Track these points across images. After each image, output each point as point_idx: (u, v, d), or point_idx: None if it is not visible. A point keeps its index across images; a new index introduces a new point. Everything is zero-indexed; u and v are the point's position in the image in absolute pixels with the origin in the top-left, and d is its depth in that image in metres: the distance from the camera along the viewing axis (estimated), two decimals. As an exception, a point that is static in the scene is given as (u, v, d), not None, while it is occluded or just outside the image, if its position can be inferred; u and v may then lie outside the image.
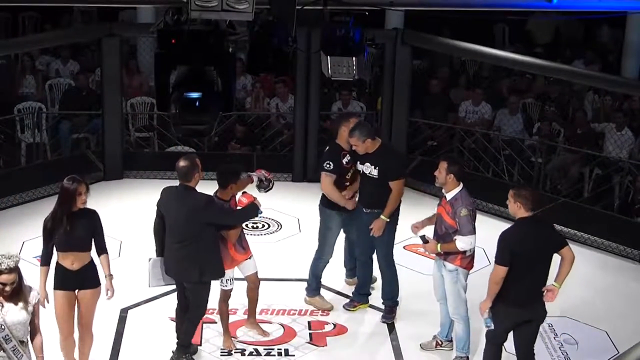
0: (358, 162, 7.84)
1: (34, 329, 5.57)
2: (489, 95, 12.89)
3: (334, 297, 8.44)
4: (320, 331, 7.89)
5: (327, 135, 11.96)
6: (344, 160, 7.92)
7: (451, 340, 7.53)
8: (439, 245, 7.15)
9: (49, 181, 10.68)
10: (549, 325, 8.06)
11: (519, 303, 6.49)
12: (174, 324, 7.28)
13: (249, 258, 7.41)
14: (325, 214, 8.11)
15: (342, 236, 8.32)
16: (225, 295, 7.37)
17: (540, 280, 6.55)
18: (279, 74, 11.09)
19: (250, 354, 7.47)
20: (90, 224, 6.56)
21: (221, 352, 7.46)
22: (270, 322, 7.95)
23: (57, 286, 6.51)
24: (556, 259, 6.58)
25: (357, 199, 8.03)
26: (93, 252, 6.67)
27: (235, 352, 7.46)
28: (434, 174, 7.17)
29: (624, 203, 10.65)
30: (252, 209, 7.04)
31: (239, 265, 7.35)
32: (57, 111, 12.36)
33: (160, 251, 7.04)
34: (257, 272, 7.50)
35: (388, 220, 7.71)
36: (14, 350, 5.38)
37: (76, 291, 6.55)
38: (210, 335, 7.67)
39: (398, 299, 8.07)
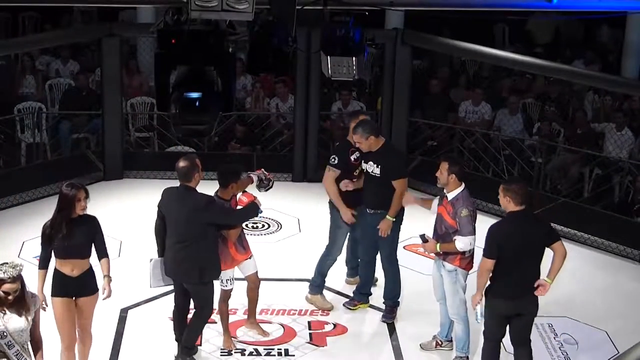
0: (362, 161, 7.84)
1: (35, 338, 5.56)
2: (489, 95, 12.90)
3: (334, 297, 8.44)
4: (320, 331, 7.89)
5: (327, 135, 12.00)
6: (352, 157, 7.91)
7: (451, 340, 7.53)
8: (438, 244, 7.15)
9: (49, 181, 10.69)
10: (549, 325, 8.06)
11: (508, 296, 6.56)
12: (172, 324, 7.29)
13: (249, 258, 7.41)
14: (334, 213, 8.11)
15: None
16: (226, 295, 7.37)
17: (530, 274, 6.59)
18: (279, 74, 11.08)
19: (250, 354, 7.47)
20: (90, 231, 6.50)
21: (221, 352, 7.46)
22: (270, 322, 7.95)
23: (56, 293, 6.45)
24: (550, 254, 6.61)
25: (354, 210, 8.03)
26: (92, 258, 6.60)
27: (235, 352, 7.46)
28: (436, 175, 7.18)
29: (624, 203, 10.64)
30: (253, 208, 7.05)
31: (239, 265, 7.35)
32: (57, 111, 12.36)
33: (161, 252, 7.04)
34: (257, 272, 7.51)
35: (394, 220, 7.72)
36: (17, 354, 5.38)
37: (75, 298, 6.49)
38: (210, 335, 7.67)
39: (399, 299, 8.08)
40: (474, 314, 6.72)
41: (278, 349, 7.57)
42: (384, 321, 8.03)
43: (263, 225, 10.03)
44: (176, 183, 6.98)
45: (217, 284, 7.17)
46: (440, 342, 7.60)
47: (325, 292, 8.43)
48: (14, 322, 5.37)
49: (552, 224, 7.21)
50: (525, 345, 6.80)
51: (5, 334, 5.33)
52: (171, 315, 7.34)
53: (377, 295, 8.24)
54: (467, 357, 7.33)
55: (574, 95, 13.36)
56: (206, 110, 5.96)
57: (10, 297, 5.32)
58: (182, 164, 6.79)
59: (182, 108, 5.95)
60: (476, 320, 6.76)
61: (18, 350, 5.38)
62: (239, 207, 7.13)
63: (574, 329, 8.06)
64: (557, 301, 8.29)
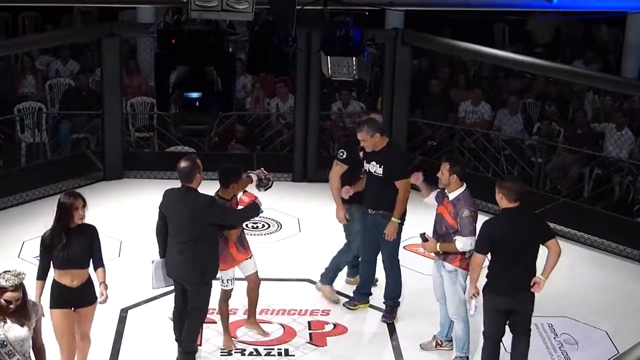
0: (364, 162, 7.83)
1: (37, 346, 5.51)
2: (490, 96, 12.89)
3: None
4: (320, 331, 7.89)
5: (327, 135, 12.00)
6: (361, 153, 7.91)
7: (451, 340, 7.53)
8: (438, 244, 7.16)
9: (49, 181, 10.70)
10: (549, 325, 8.06)
11: (502, 292, 6.64)
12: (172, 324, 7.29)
13: (249, 258, 7.41)
14: (348, 211, 8.10)
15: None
16: (226, 295, 7.37)
17: (524, 271, 6.64)
18: (279, 74, 11.08)
19: (250, 354, 7.47)
20: (89, 240, 6.41)
21: (221, 352, 7.46)
22: (270, 322, 7.95)
23: (56, 305, 6.36)
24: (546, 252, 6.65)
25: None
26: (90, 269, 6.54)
27: (235, 352, 7.46)
28: (437, 176, 7.19)
29: (624, 203, 10.64)
30: (254, 208, 7.05)
31: (239, 264, 7.35)
32: (57, 111, 12.35)
33: (162, 253, 7.03)
34: (257, 272, 7.51)
35: (399, 222, 7.72)
36: None
37: (74, 309, 6.42)
38: (210, 335, 7.67)
39: (399, 300, 8.08)
40: (469, 307, 6.81)
41: (278, 349, 7.57)
42: (384, 321, 8.03)
43: (263, 225, 10.03)
44: (176, 183, 6.98)
45: (217, 284, 7.17)
46: (440, 342, 7.60)
47: (325, 292, 8.47)
48: (15, 331, 5.32)
49: (550, 223, 7.22)
50: (525, 334, 6.86)
51: (5, 343, 5.27)
52: (171, 315, 7.34)
53: (378, 295, 8.24)
54: (467, 357, 7.34)
55: (574, 95, 13.36)
56: (206, 110, 5.95)
57: (11, 306, 5.26)
58: (183, 164, 6.79)
59: (182, 108, 5.94)
60: (469, 313, 6.86)
61: (19, 359, 5.33)
62: (240, 206, 7.14)
63: (574, 329, 8.06)
64: (557, 301, 8.29)
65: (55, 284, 6.38)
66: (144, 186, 10.92)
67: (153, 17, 13.26)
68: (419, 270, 8.77)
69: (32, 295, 5.95)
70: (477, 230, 7.07)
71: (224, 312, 7.45)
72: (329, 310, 8.19)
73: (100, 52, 11.11)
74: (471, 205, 7.10)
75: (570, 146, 11.56)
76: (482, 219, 7.23)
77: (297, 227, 10.12)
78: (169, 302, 7.45)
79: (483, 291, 6.73)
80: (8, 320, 5.30)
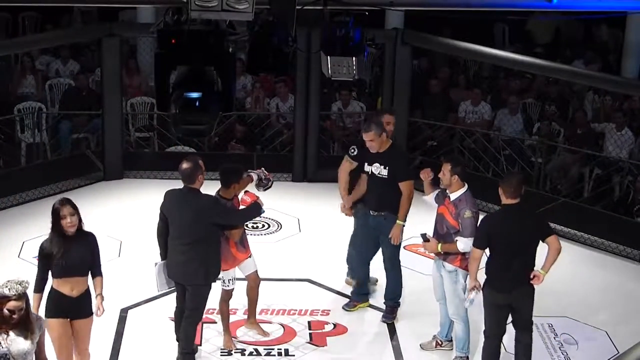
0: (366, 164, 7.82)
1: None
2: (490, 95, 12.87)
3: (335, 297, 8.44)
4: (320, 331, 7.89)
5: (327, 135, 12.00)
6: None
7: (451, 340, 7.53)
8: (439, 245, 7.16)
9: (49, 181, 10.71)
10: (549, 325, 8.06)
11: (501, 288, 6.68)
12: (173, 324, 7.28)
13: (249, 257, 7.42)
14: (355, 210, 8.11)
15: (348, 233, 8.29)
16: (227, 295, 7.37)
17: (523, 267, 6.68)
18: (279, 74, 11.08)
19: (250, 354, 7.47)
20: (88, 248, 6.29)
21: (221, 352, 7.46)
22: (270, 322, 7.95)
23: (53, 314, 6.18)
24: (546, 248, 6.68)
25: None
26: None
27: (235, 352, 7.46)
28: (438, 176, 7.20)
29: (624, 203, 10.64)
30: (256, 208, 7.05)
31: (239, 264, 7.35)
32: (57, 111, 12.35)
33: (164, 255, 7.02)
34: (257, 271, 7.51)
35: (404, 224, 7.72)
36: None
37: (70, 320, 6.29)
38: (210, 335, 7.67)
39: (400, 300, 8.08)
40: (466, 299, 6.86)
41: (278, 349, 7.57)
42: (384, 321, 8.02)
43: (263, 225, 10.03)
44: (177, 183, 6.98)
45: (217, 284, 7.17)
46: (440, 342, 7.60)
47: (325, 292, 8.45)
48: (18, 344, 5.17)
49: (550, 223, 7.22)
50: (527, 329, 6.89)
51: (7, 356, 5.13)
52: (171, 316, 7.34)
53: (378, 295, 8.24)
54: (467, 357, 7.34)
55: (574, 95, 13.36)
56: (206, 110, 5.95)
57: (15, 316, 5.12)
58: (185, 165, 6.79)
59: (182, 108, 5.94)
60: (465, 305, 6.92)
61: None
62: (241, 206, 7.14)
63: (574, 329, 8.06)
64: (557, 301, 8.30)
65: (53, 292, 6.23)
66: (144, 186, 10.93)
67: (153, 17, 13.26)
68: (419, 270, 8.77)
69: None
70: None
71: (225, 312, 7.45)
72: (329, 310, 8.19)
73: (100, 52, 11.11)
74: (473, 206, 7.10)
75: (570, 146, 11.56)
76: (481, 218, 7.24)
77: (297, 227, 10.12)
78: (169, 302, 7.46)
79: (482, 288, 6.76)
80: (11, 333, 5.16)
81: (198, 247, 6.75)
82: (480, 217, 7.18)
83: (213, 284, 7.00)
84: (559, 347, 7.79)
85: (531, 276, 6.65)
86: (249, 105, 12.55)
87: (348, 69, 7.19)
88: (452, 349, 7.49)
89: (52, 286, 6.25)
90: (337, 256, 8.38)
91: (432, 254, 7.46)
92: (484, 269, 6.83)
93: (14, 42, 12.74)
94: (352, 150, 8.00)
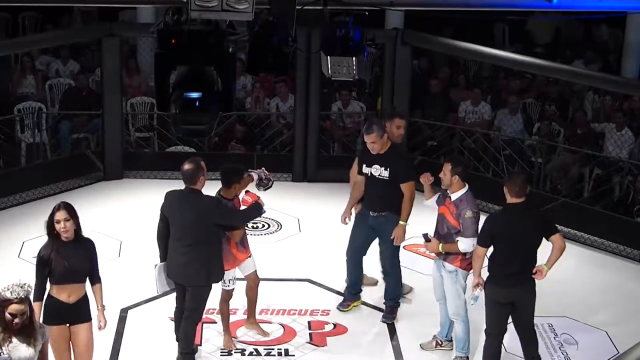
0: (364, 165, 7.81)
1: None
2: (490, 95, 12.87)
3: (335, 297, 8.43)
4: (320, 331, 7.89)
5: (327, 135, 12.00)
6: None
7: (451, 340, 7.53)
8: (441, 245, 7.16)
9: (49, 181, 10.71)
10: (549, 325, 8.06)
11: (504, 284, 6.72)
12: (173, 324, 7.28)
13: (249, 257, 7.42)
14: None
15: (348, 233, 8.29)
16: (227, 296, 7.36)
17: (525, 264, 6.72)
18: (279, 74, 11.08)
19: (250, 354, 7.47)
20: (87, 255, 6.18)
21: (221, 352, 7.46)
22: (270, 322, 7.95)
23: (51, 321, 6.03)
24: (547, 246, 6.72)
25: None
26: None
27: (235, 352, 7.46)
28: (439, 176, 7.21)
29: (624, 203, 10.64)
30: (257, 208, 7.05)
31: (240, 264, 7.35)
32: (57, 111, 12.35)
33: (163, 256, 7.02)
34: (256, 271, 7.51)
35: (407, 224, 7.72)
36: None
37: (68, 325, 6.20)
38: (210, 335, 7.67)
39: (400, 300, 8.08)
40: (471, 296, 6.90)
41: (278, 349, 7.57)
42: (384, 321, 8.02)
43: (263, 225, 10.03)
44: (177, 183, 6.98)
45: (217, 284, 7.16)
46: (440, 342, 7.60)
47: (325, 292, 8.45)
48: (20, 351, 5.04)
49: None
50: (528, 330, 6.92)
51: None
52: (171, 316, 7.34)
53: (378, 295, 8.23)
54: (467, 357, 7.33)
55: (574, 95, 13.36)
56: (206, 110, 5.94)
57: (17, 321, 5.01)
58: (187, 166, 6.78)
59: (182, 108, 5.94)
60: (469, 302, 6.97)
61: None
62: (242, 206, 7.14)
63: (574, 329, 8.06)
64: (557, 301, 8.30)
65: (50, 299, 6.12)
66: (144, 186, 10.93)
67: (153, 17, 13.27)
68: (419, 270, 8.77)
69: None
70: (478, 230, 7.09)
71: (225, 312, 7.45)
72: (329, 310, 8.19)
73: (100, 52, 11.11)
74: (474, 206, 7.11)
75: (570, 146, 11.56)
76: (481, 218, 7.24)
77: (297, 227, 10.12)
78: (169, 302, 7.45)
79: (485, 284, 6.80)
80: (14, 339, 5.05)
81: (199, 248, 6.75)
82: (481, 217, 7.20)
83: (213, 285, 7.00)
84: (559, 347, 7.79)
85: (534, 271, 6.70)
86: (249, 105, 12.55)
87: (348, 69, 7.19)
88: (452, 349, 7.49)
89: (49, 292, 6.13)
90: (337, 256, 8.38)
91: (432, 254, 7.46)
92: (487, 267, 6.85)
93: (14, 42, 12.74)
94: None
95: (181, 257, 6.81)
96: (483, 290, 6.81)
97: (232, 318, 7.68)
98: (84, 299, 6.24)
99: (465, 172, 7.16)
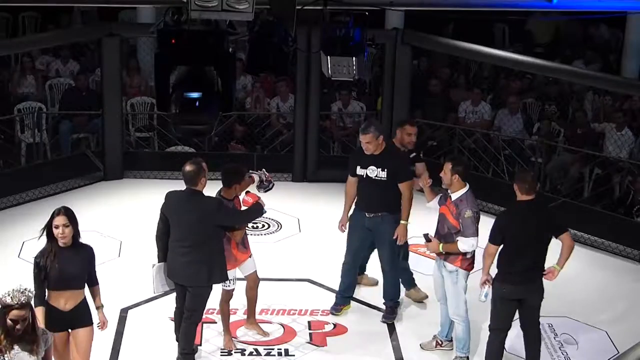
0: (359, 167, 7.80)
1: None
2: (491, 96, 12.87)
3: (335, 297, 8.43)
4: (320, 331, 7.89)
5: (327, 135, 12.00)
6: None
7: (451, 340, 7.53)
8: (441, 245, 7.16)
9: (49, 181, 10.70)
10: (549, 325, 8.06)
11: (514, 282, 6.75)
12: (173, 324, 7.28)
13: (250, 257, 7.42)
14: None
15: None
16: (228, 296, 7.36)
17: (535, 262, 6.76)
18: (279, 74, 11.08)
19: (250, 354, 7.47)
20: (84, 262, 6.08)
21: (221, 352, 7.46)
22: (270, 322, 7.95)
23: (49, 328, 5.74)
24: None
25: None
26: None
27: (235, 352, 7.46)
28: (440, 175, 7.22)
29: (624, 203, 10.64)
30: (258, 209, 7.06)
31: (240, 264, 7.35)
32: (57, 111, 12.36)
33: (162, 257, 7.01)
34: (256, 271, 7.51)
35: (409, 223, 7.72)
36: None
37: (69, 330, 6.13)
38: (210, 335, 7.67)
39: (399, 299, 8.07)
40: (480, 293, 6.89)
41: (278, 349, 7.57)
42: (384, 321, 8.02)
43: (263, 225, 10.03)
44: (177, 183, 6.97)
45: (218, 285, 7.16)
46: (440, 342, 7.60)
47: (325, 292, 8.45)
48: (21, 358, 5.01)
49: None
50: (534, 328, 6.96)
51: None
52: (171, 316, 7.34)
53: (378, 295, 8.23)
54: (468, 358, 7.34)
55: (574, 95, 13.36)
56: (206, 110, 5.94)
57: (18, 327, 4.95)
58: (188, 168, 6.78)
59: (182, 108, 5.93)
60: (479, 299, 6.94)
61: None
62: (243, 207, 7.14)
63: (574, 329, 8.06)
64: (557, 301, 8.29)
65: (47, 306, 6.01)
66: (144, 186, 10.92)
67: (153, 17, 13.27)
68: (419, 270, 8.75)
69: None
70: (480, 230, 7.09)
71: (226, 312, 7.45)
72: (329, 311, 8.19)
73: (100, 52, 11.11)
74: (474, 206, 7.11)
75: (570, 146, 11.56)
76: (484, 219, 7.25)
77: (297, 227, 10.12)
78: (169, 302, 7.45)
79: (493, 281, 6.83)
80: (15, 347, 5.00)
81: (200, 248, 6.75)
82: (486, 217, 7.21)
83: (213, 285, 7.00)
84: (559, 347, 7.79)
85: (545, 271, 6.76)
86: (249, 105, 12.55)
87: (348, 69, 7.18)
88: (452, 349, 7.49)
89: (46, 299, 6.05)
90: (337, 256, 8.36)
91: (433, 254, 7.46)
92: (496, 263, 6.89)
93: (14, 42, 12.76)
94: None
95: (182, 258, 6.80)
96: (491, 286, 6.83)
97: (232, 318, 7.68)
98: (82, 305, 6.14)
99: (465, 172, 7.17)
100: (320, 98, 11.37)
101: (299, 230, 10.05)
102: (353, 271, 8.11)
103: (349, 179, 7.96)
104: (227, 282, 7.23)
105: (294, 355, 7.50)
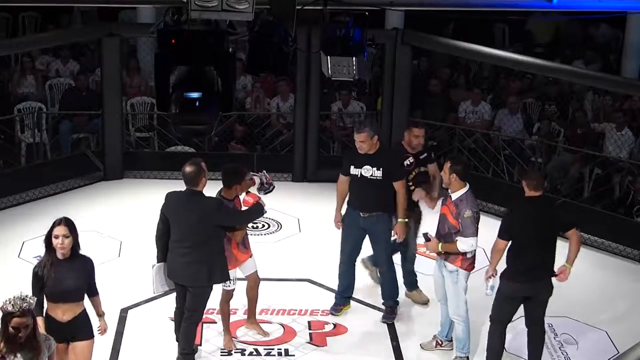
0: (352, 166, 7.79)
1: None
2: (491, 96, 12.86)
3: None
4: (320, 331, 7.89)
5: (327, 135, 12.00)
6: (406, 162, 7.95)
7: (451, 340, 7.53)
8: (440, 244, 7.16)
9: (49, 181, 10.70)
10: (549, 325, 8.05)
11: (517, 279, 6.79)
12: (173, 324, 7.28)
13: (250, 257, 7.42)
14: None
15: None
16: (228, 296, 7.36)
17: (544, 259, 6.80)
18: (278, 74, 11.08)
19: (250, 354, 7.48)
20: (82, 274, 5.97)
21: (221, 352, 7.46)
22: (270, 322, 7.95)
23: None
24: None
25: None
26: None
27: (235, 352, 7.46)
28: (441, 174, 7.23)
29: (624, 203, 10.64)
30: (258, 209, 7.06)
31: (241, 265, 7.35)
32: (57, 111, 12.36)
33: (162, 257, 7.01)
34: (257, 271, 7.51)
35: (407, 221, 7.73)
36: None
37: (68, 343, 6.00)
38: (210, 335, 7.67)
39: (398, 299, 8.07)
40: (485, 286, 6.92)
41: (278, 349, 7.57)
42: (384, 322, 8.02)
43: (263, 225, 10.03)
44: (177, 183, 6.97)
45: (218, 285, 7.16)
46: (440, 342, 7.60)
47: (325, 292, 8.45)
48: None
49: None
50: (538, 325, 7.00)
51: None
52: (171, 316, 7.34)
53: (378, 295, 8.22)
54: (468, 358, 7.34)
55: (574, 95, 13.36)
56: (206, 110, 5.95)
57: (20, 334, 4.87)
58: (188, 169, 6.77)
59: (182, 108, 5.94)
60: (486, 293, 6.96)
61: None
62: (244, 207, 7.15)
63: (574, 329, 8.06)
64: (557, 301, 8.27)
65: (46, 316, 5.93)
66: (144, 186, 10.92)
67: (153, 17, 13.26)
68: (420, 270, 8.72)
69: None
70: (480, 230, 7.09)
71: (226, 312, 7.45)
72: (329, 311, 8.18)
73: (100, 52, 11.11)
74: (474, 206, 7.11)
75: (570, 146, 11.56)
76: (484, 219, 7.26)
77: (297, 227, 10.12)
78: (169, 302, 7.45)
79: (501, 277, 6.86)
80: (18, 355, 4.93)
81: (201, 249, 6.75)
82: (482, 217, 7.21)
83: (214, 285, 7.00)
84: (559, 347, 7.79)
85: (557, 272, 6.82)
86: (249, 105, 12.55)
87: (348, 69, 7.18)
88: (452, 349, 7.49)
89: (46, 310, 5.96)
90: (337, 256, 8.36)
91: (434, 254, 7.46)
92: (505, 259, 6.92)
93: (14, 42, 12.76)
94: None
95: (182, 258, 6.80)
96: (498, 278, 6.86)
97: (232, 318, 7.67)
98: (81, 317, 6.04)
99: (464, 172, 7.16)
100: (320, 98, 11.37)
101: (299, 230, 10.05)
102: (350, 271, 8.10)
103: (341, 178, 7.96)
104: (228, 282, 7.24)
105: (294, 355, 7.51)
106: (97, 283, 6.21)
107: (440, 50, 12.22)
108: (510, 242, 6.83)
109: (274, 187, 7.47)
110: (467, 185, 7.15)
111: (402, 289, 8.24)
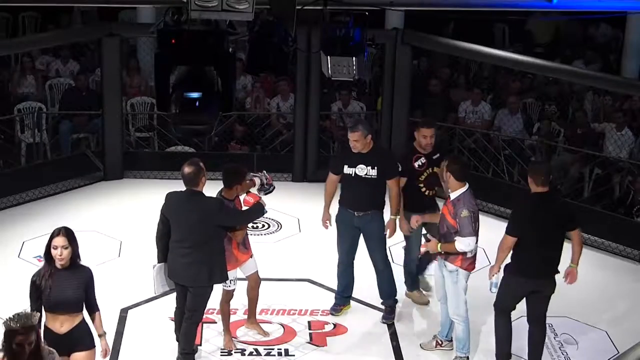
0: (346, 166, 7.78)
1: None
2: (491, 96, 12.86)
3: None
4: (320, 331, 7.89)
5: (327, 135, 12.00)
6: (416, 164, 7.94)
7: (451, 340, 7.53)
8: (439, 244, 7.17)
9: (49, 181, 10.70)
10: (549, 325, 8.03)
11: (523, 274, 6.83)
12: (173, 324, 7.28)
13: (251, 257, 7.42)
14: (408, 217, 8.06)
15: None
16: (228, 296, 7.36)
17: (547, 255, 6.82)
18: (278, 74, 11.08)
19: (250, 354, 7.48)
20: (80, 284, 5.85)
21: (221, 352, 7.46)
22: (270, 322, 7.95)
23: None
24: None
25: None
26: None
27: (235, 352, 7.46)
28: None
29: (624, 203, 10.64)
30: (259, 209, 7.07)
31: (241, 265, 7.35)
32: (57, 111, 12.36)
33: (162, 257, 7.01)
34: (257, 271, 7.51)
35: (398, 217, 7.74)
36: None
37: (69, 355, 5.86)
38: (210, 335, 7.67)
39: (397, 297, 8.07)
40: (489, 284, 6.94)
41: (278, 349, 7.57)
42: (384, 322, 8.02)
43: (263, 225, 10.03)
44: (177, 183, 6.97)
45: (219, 285, 7.16)
46: (440, 342, 7.60)
47: (325, 292, 8.45)
48: None
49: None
50: (540, 322, 7.03)
51: None
52: (172, 316, 7.34)
53: (377, 295, 8.22)
54: (468, 358, 7.33)
55: (574, 95, 13.36)
56: (206, 110, 5.95)
57: (24, 351, 4.78)
58: (187, 169, 6.77)
59: (182, 108, 5.93)
60: (489, 290, 6.98)
61: None
62: (244, 207, 7.15)
63: (574, 329, 8.06)
64: (557, 301, 8.27)
65: (45, 328, 5.79)
66: (144, 186, 10.92)
67: (153, 17, 13.27)
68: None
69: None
70: (479, 231, 7.09)
71: (226, 312, 7.45)
72: (329, 311, 8.19)
73: (100, 52, 11.11)
74: (471, 206, 7.10)
75: (570, 146, 11.56)
76: (481, 219, 7.25)
77: (297, 227, 10.12)
78: (169, 302, 7.45)
79: (505, 271, 6.88)
80: None
81: (201, 249, 6.75)
82: (481, 217, 7.20)
83: (214, 285, 7.00)
84: (559, 347, 7.79)
85: (565, 274, 6.88)
86: (249, 105, 12.56)
87: (348, 69, 7.18)
88: (452, 349, 7.49)
89: (44, 322, 5.84)
90: (337, 256, 8.37)
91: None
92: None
93: (14, 42, 12.75)
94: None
95: (183, 258, 6.80)
96: (502, 272, 6.89)
97: (233, 318, 7.67)
98: (79, 327, 5.92)
99: (462, 171, 7.15)
100: (320, 98, 11.38)
101: (299, 230, 10.05)
102: (349, 271, 8.10)
103: (331, 177, 7.96)
104: (228, 282, 7.24)
105: (294, 355, 7.51)
106: (97, 286, 6.10)
107: (440, 50, 12.22)
108: (518, 238, 6.84)
109: (274, 187, 7.47)
110: (467, 185, 7.15)
111: (402, 288, 8.25)
